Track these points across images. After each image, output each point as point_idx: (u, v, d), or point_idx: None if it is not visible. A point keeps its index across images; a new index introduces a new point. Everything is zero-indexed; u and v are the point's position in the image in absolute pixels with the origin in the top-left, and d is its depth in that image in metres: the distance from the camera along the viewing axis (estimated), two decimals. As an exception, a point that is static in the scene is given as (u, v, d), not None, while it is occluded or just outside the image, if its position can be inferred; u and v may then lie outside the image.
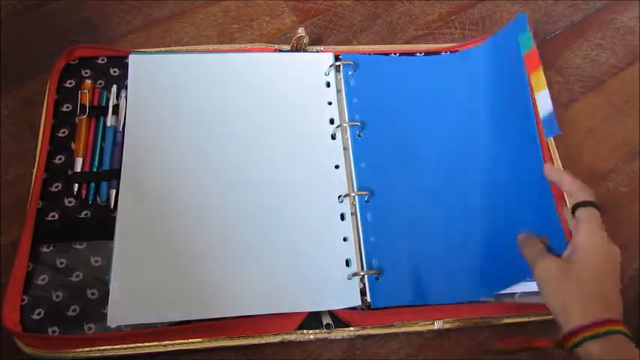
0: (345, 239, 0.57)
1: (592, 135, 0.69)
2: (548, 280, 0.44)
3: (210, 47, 0.67)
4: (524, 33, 0.63)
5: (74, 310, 0.51)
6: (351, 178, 0.60)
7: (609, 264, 0.43)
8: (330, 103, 0.64)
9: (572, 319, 0.41)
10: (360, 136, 0.62)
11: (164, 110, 0.61)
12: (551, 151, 0.65)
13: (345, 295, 0.54)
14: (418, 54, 0.70)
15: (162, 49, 0.67)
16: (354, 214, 0.58)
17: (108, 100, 0.61)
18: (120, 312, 0.50)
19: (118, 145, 0.59)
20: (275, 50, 0.67)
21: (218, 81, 0.63)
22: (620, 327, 0.40)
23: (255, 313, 0.52)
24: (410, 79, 0.67)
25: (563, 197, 0.62)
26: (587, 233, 0.44)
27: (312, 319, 0.53)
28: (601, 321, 0.40)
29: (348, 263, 0.56)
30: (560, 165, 0.64)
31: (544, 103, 0.58)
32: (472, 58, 0.69)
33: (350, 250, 0.56)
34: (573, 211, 0.46)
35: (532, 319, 0.56)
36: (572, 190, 0.47)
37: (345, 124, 0.62)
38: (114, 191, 0.56)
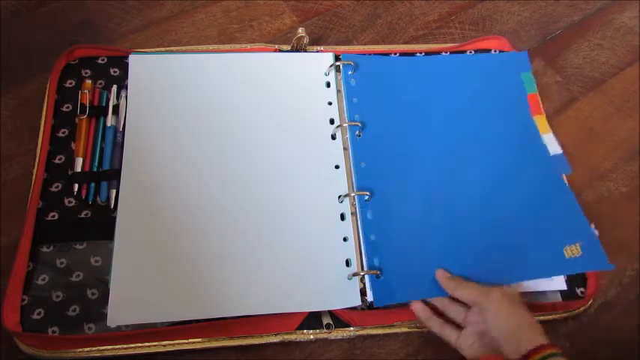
0: (345, 239, 0.57)
1: (592, 135, 0.69)
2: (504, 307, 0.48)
3: (210, 47, 0.67)
4: (527, 73, 0.68)
5: (74, 310, 0.51)
6: (351, 178, 0.60)
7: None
8: (330, 104, 0.64)
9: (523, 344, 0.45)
10: (359, 136, 0.62)
11: (164, 110, 0.61)
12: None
13: (345, 295, 0.54)
14: (418, 54, 0.70)
15: (163, 49, 0.67)
16: (354, 214, 0.58)
17: (108, 100, 0.61)
18: (120, 312, 0.50)
19: (118, 145, 0.59)
20: (275, 50, 0.67)
21: (218, 81, 0.63)
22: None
23: (255, 313, 0.52)
24: (410, 78, 0.67)
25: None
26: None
27: (312, 319, 0.53)
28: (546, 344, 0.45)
29: (348, 263, 0.56)
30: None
31: (552, 145, 0.64)
32: (475, 63, 0.70)
33: (350, 250, 0.56)
34: None
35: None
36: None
37: (345, 124, 0.62)
38: (114, 191, 0.56)
